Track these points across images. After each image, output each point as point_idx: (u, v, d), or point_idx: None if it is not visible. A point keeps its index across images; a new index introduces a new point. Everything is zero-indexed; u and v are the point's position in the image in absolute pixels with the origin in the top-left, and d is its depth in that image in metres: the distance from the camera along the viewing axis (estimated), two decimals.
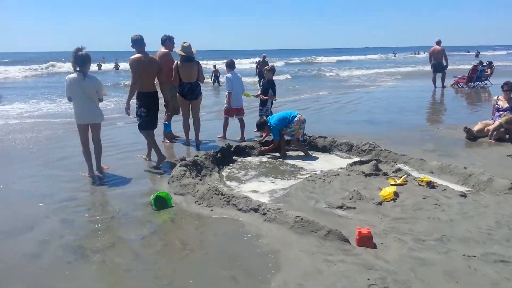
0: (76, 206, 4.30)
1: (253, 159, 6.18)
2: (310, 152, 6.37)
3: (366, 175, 5.00)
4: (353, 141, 6.27)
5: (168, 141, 7.54)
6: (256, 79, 19.46)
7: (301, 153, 6.38)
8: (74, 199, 4.52)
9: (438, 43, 15.79)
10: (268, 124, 6.27)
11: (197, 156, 5.41)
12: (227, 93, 7.58)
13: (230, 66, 7.73)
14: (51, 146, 7.30)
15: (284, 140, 6.35)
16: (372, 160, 5.41)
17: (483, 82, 16.66)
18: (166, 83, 7.43)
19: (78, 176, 5.36)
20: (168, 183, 4.86)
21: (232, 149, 6.18)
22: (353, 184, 4.74)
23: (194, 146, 7.12)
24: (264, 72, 7.89)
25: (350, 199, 4.17)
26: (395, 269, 2.86)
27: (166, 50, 7.37)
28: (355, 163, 5.44)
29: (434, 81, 16.19)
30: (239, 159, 6.17)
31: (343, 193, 4.44)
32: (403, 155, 5.67)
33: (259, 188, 4.81)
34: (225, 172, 5.51)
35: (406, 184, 4.70)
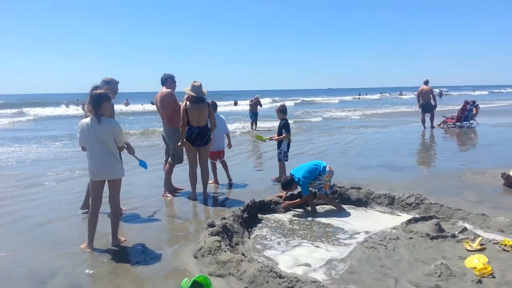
0: None
1: (280, 217, 5.25)
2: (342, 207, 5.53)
3: (432, 238, 4.18)
4: (394, 193, 5.48)
5: (169, 194, 6.51)
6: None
7: (328, 208, 5.53)
8: (75, 286, 3.40)
9: (426, 83, 15.78)
10: (296, 179, 5.41)
11: (224, 218, 4.43)
12: None
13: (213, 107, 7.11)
14: (23, 205, 6.06)
15: (312, 195, 5.50)
16: (431, 218, 4.63)
17: (469, 122, 16.68)
18: (168, 128, 6.55)
19: (76, 250, 4.23)
20: (196, 257, 3.83)
21: (256, 205, 5.24)
22: (423, 252, 3.91)
23: (200, 201, 6.15)
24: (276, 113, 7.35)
25: (439, 276, 3.30)
26: None
27: (168, 90, 6.50)
28: (409, 221, 4.63)
29: (424, 121, 16.02)
30: (264, 216, 5.23)
31: (421, 265, 3.58)
32: (459, 209, 4.92)
33: (309, 260, 3.87)
34: (256, 237, 4.54)
35: (484, 249, 3.91)
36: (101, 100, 4.08)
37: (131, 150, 4.65)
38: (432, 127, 15.87)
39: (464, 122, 16.37)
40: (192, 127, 6.05)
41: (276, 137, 7.24)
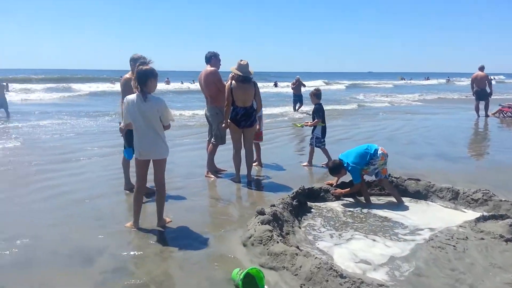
0: (129, 284, 3.03)
1: (332, 206, 4.92)
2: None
3: (507, 240, 3.72)
4: (457, 187, 5.00)
5: (212, 175, 6.31)
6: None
7: (384, 199, 5.13)
8: (122, 268, 3.26)
9: (481, 69, 14.71)
10: (345, 165, 5.03)
11: (273, 206, 4.16)
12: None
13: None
14: (64, 180, 6.05)
15: (365, 184, 5.12)
16: (502, 217, 4.15)
17: None
18: (211, 107, 6.33)
19: (121, 228, 4.11)
20: (245, 245, 3.60)
21: (305, 192, 4.94)
22: (499, 256, 3.47)
23: (244, 184, 5.91)
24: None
25: None
26: None
27: (212, 68, 6.25)
28: (478, 220, 4.17)
29: (477, 109, 14.99)
30: (314, 205, 4.92)
31: (499, 272, 3.17)
32: None
33: (368, 256, 3.53)
34: (307, 227, 4.25)
35: None
36: (147, 77, 3.86)
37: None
38: (487, 115, 14.83)
39: None
40: (237, 108, 5.79)
41: (310, 123, 7.03)
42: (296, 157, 7.94)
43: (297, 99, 17.53)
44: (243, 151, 6.07)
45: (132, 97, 3.92)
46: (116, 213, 4.60)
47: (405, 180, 5.31)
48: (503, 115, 15.16)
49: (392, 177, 5.36)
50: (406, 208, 4.84)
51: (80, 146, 8.68)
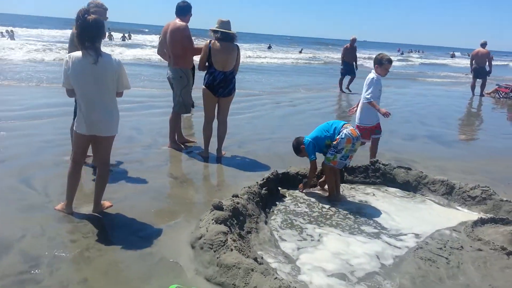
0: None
1: (308, 194, 4.26)
2: (385, 189, 4.46)
3: (508, 253, 3.12)
4: (453, 181, 4.34)
5: (175, 147, 5.56)
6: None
7: (363, 193, 4.39)
8: (28, 273, 2.55)
9: (483, 45, 13.93)
10: (304, 141, 4.24)
11: (236, 197, 3.45)
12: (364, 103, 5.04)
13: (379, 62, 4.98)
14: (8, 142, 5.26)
15: (335, 171, 4.18)
16: (502, 221, 3.55)
17: None
18: (175, 69, 5.40)
19: (50, 211, 3.39)
20: (193, 247, 2.91)
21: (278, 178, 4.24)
22: (499, 274, 2.88)
23: (213, 161, 5.19)
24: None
25: None
26: None
27: (183, 23, 5.29)
28: (475, 224, 3.55)
29: (473, 88, 14.33)
30: (288, 192, 4.25)
31: None
32: None
33: (341, 267, 2.89)
34: (274, 221, 3.58)
35: None
36: (98, 30, 3.05)
37: None
38: (482, 95, 14.20)
39: None
40: (215, 71, 4.94)
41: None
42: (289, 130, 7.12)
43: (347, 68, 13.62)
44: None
45: (77, 55, 3.06)
46: (50, 190, 3.84)
47: (394, 168, 4.63)
48: (499, 95, 14.54)
49: (380, 163, 4.69)
50: (391, 203, 4.18)
51: (37, 103, 7.78)
